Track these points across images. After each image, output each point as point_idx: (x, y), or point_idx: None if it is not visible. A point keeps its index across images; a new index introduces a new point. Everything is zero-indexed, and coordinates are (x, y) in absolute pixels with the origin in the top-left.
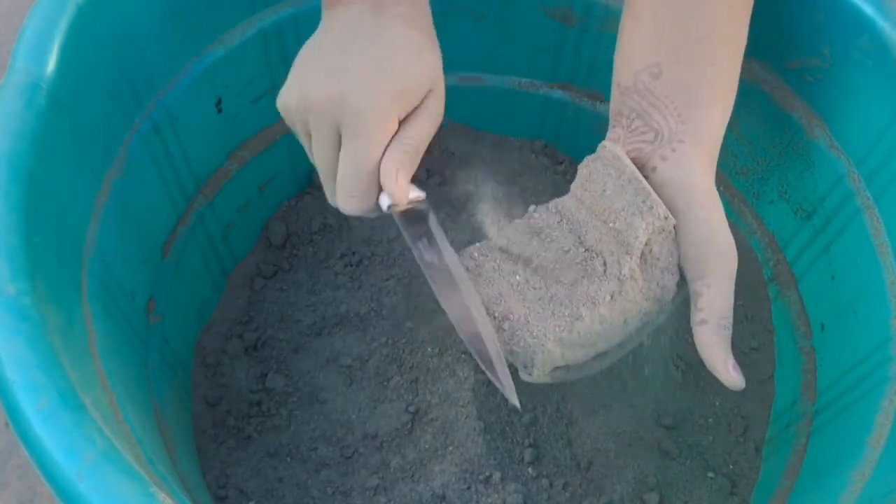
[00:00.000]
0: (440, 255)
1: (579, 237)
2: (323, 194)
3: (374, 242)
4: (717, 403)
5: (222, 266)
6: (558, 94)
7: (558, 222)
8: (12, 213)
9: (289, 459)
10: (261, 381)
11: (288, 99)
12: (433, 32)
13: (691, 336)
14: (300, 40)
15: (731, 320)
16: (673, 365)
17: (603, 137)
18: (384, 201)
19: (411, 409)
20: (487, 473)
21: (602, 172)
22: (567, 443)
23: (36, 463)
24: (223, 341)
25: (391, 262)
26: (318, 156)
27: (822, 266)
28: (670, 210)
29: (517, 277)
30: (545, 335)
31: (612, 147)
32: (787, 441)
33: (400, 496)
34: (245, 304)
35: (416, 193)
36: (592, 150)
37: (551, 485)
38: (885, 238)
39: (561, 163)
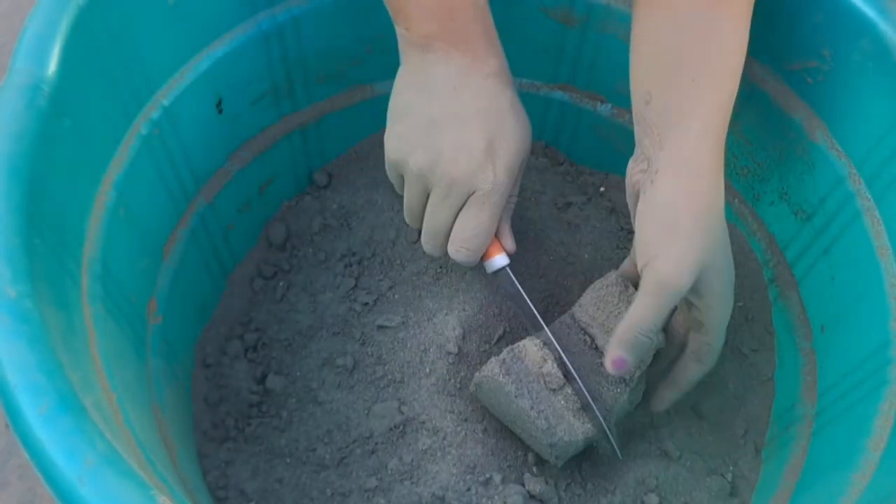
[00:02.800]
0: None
1: (596, 347)
2: (323, 194)
3: (375, 243)
4: (718, 405)
5: (222, 266)
6: (559, 94)
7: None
8: (13, 214)
9: (288, 460)
10: (261, 382)
11: (410, 160)
12: (513, 83)
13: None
14: (301, 40)
15: (644, 333)
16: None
17: (603, 138)
18: (501, 261)
19: (410, 410)
20: (487, 475)
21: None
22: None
23: (37, 466)
24: (223, 342)
25: (391, 263)
26: (442, 215)
27: (823, 268)
28: (637, 233)
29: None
30: (579, 434)
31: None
32: (787, 443)
33: (399, 497)
34: (245, 304)
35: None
36: (593, 150)
37: (551, 484)
38: (885, 240)
39: (561, 163)
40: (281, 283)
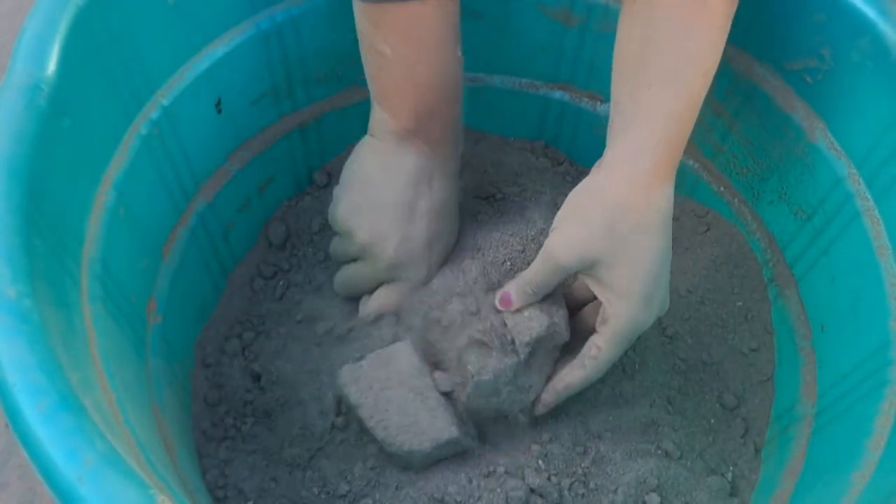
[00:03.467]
0: None
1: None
2: (323, 194)
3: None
4: (718, 404)
5: (222, 266)
6: (558, 94)
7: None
8: (12, 215)
9: (287, 460)
10: (257, 381)
11: (358, 233)
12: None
13: (692, 338)
14: (300, 40)
15: (529, 283)
16: (674, 366)
17: (603, 138)
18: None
19: None
20: (490, 469)
21: None
22: (570, 444)
23: (36, 466)
24: (223, 341)
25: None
26: (364, 281)
27: (823, 267)
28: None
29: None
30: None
31: None
32: (787, 442)
33: (400, 492)
34: (245, 304)
35: None
36: (593, 150)
37: (554, 484)
38: (885, 240)
39: (561, 163)
40: (281, 283)
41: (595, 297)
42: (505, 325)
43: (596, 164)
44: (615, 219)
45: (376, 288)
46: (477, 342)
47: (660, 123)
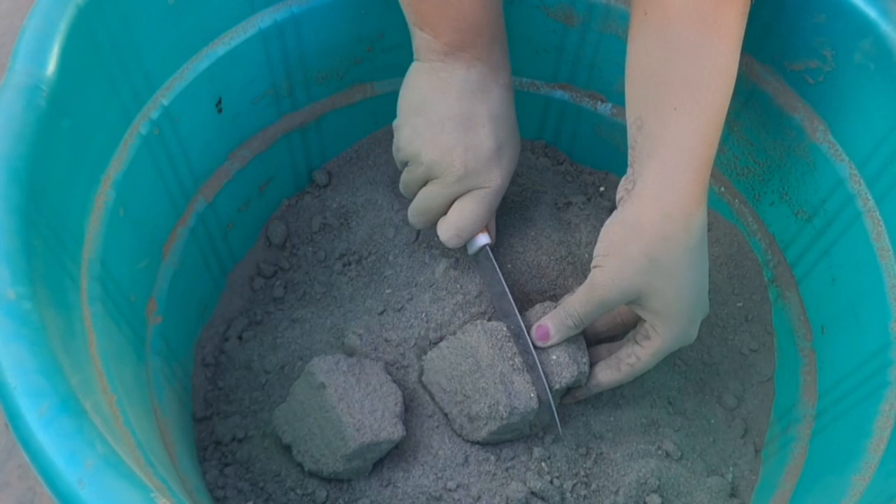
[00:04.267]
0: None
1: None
2: (323, 193)
3: (374, 242)
4: (718, 405)
5: (222, 266)
6: (559, 94)
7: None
8: (12, 215)
9: (288, 460)
10: (260, 382)
11: (424, 151)
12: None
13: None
14: (301, 40)
15: (573, 316)
16: (674, 367)
17: (603, 138)
18: (483, 240)
19: (414, 399)
20: (491, 470)
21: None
22: (572, 444)
23: (37, 469)
24: (222, 341)
25: (390, 262)
26: (439, 200)
27: (823, 268)
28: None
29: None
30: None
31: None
32: (787, 443)
33: (400, 490)
34: (245, 303)
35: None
36: (593, 149)
37: (556, 486)
38: (885, 241)
39: (561, 163)
40: (280, 283)
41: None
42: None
43: (625, 190)
44: (657, 251)
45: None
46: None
47: (691, 147)
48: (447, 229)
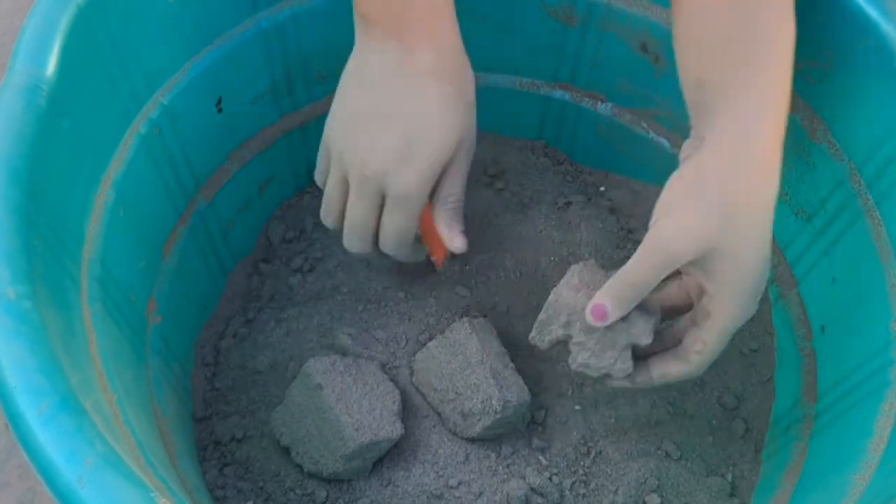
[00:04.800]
0: None
1: None
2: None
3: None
4: (718, 405)
5: (222, 265)
6: (559, 94)
7: None
8: (12, 215)
9: (287, 460)
10: (256, 382)
11: (334, 148)
12: (461, 70)
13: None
14: (301, 39)
15: (639, 289)
16: None
17: (603, 138)
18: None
19: (411, 398)
20: (491, 467)
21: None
22: (573, 444)
23: (36, 468)
24: (222, 341)
25: (389, 262)
26: (358, 212)
27: (823, 268)
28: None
29: None
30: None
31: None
32: (787, 443)
33: (400, 487)
34: (245, 303)
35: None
36: (593, 150)
37: (556, 483)
38: (886, 241)
39: (561, 163)
40: (278, 282)
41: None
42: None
43: (692, 147)
44: (732, 202)
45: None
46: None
47: (769, 93)
48: (379, 243)
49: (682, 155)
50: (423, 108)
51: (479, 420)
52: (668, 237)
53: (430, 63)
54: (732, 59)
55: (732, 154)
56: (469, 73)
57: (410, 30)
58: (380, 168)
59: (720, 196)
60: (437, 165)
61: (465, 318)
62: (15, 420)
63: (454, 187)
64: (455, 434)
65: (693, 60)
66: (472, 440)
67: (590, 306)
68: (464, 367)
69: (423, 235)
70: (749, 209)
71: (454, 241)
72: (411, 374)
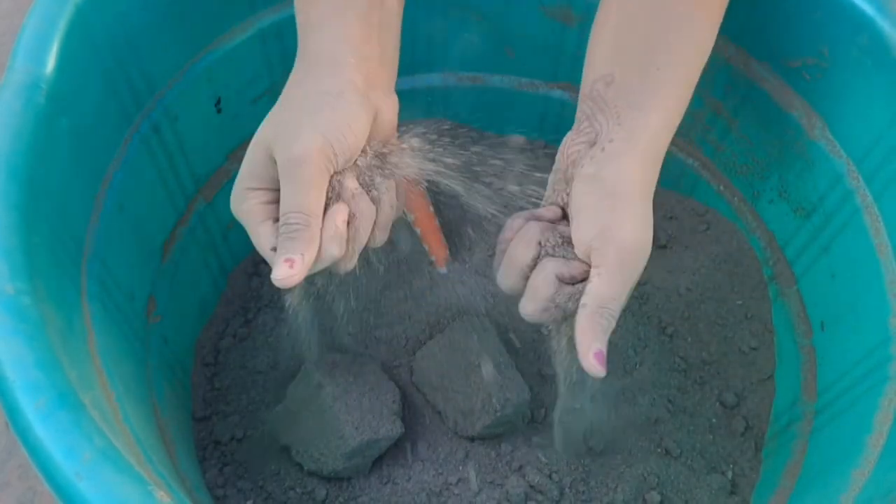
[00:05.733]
0: None
1: None
2: None
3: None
4: (718, 403)
5: (222, 265)
6: (558, 93)
7: None
8: (11, 212)
9: (287, 459)
10: (256, 382)
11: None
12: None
13: (692, 337)
14: None
15: (613, 312)
16: (674, 365)
17: None
18: None
19: (411, 397)
20: (491, 465)
21: None
22: (571, 441)
23: (35, 462)
24: (222, 340)
25: (388, 262)
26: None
27: (822, 265)
28: (583, 203)
29: None
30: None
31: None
32: (787, 440)
33: (400, 486)
34: (245, 303)
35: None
36: None
37: (555, 481)
38: (884, 237)
39: None
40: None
41: None
42: None
43: (585, 144)
44: (645, 194)
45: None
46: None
47: (674, 110)
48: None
49: (569, 149)
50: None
51: (480, 418)
52: (634, 243)
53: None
54: (647, 64)
55: (645, 167)
56: (315, 81)
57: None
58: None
59: (646, 204)
60: (242, 180)
61: (464, 317)
62: (14, 415)
63: (281, 202)
64: (456, 433)
65: (604, 54)
66: (472, 438)
67: (590, 359)
68: (464, 365)
69: (422, 235)
70: (638, 202)
71: (274, 268)
72: (411, 373)
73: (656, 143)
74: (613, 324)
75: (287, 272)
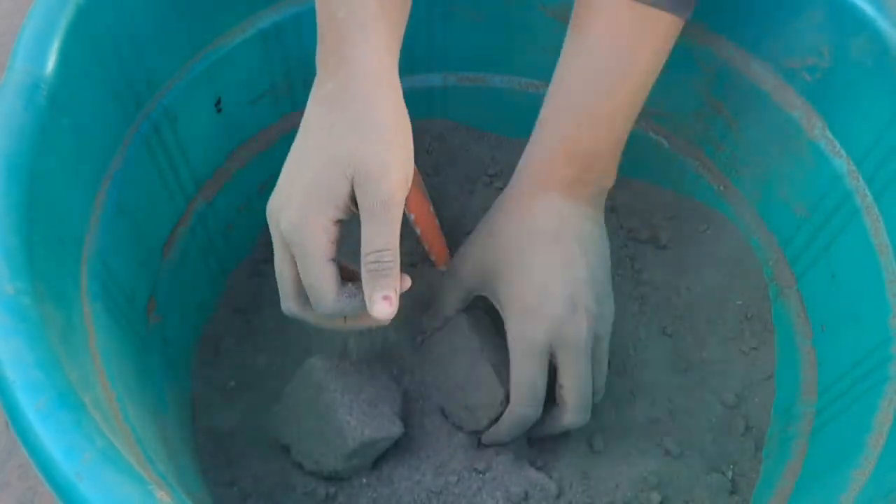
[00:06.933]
0: None
1: None
2: None
3: None
4: (718, 403)
5: (222, 265)
6: None
7: None
8: (12, 212)
9: (287, 459)
10: (257, 381)
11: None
12: (367, 96)
13: (692, 337)
14: (300, 40)
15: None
16: (674, 365)
17: None
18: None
19: (411, 396)
20: (490, 463)
21: None
22: (571, 441)
23: (35, 462)
24: (222, 340)
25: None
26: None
27: (822, 265)
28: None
29: None
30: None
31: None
32: (787, 440)
33: (399, 485)
34: (245, 303)
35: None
36: None
37: (555, 480)
38: (884, 237)
39: None
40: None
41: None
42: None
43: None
44: (507, 230)
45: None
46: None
47: (562, 131)
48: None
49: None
50: (307, 140)
51: (485, 413)
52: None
53: (327, 92)
54: (561, 103)
55: (514, 189)
56: (385, 101)
57: (324, 49)
58: (271, 210)
59: (501, 225)
60: (311, 203)
61: (463, 314)
62: (14, 415)
63: (368, 240)
64: (461, 428)
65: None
66: (476, 433)
67: (380, 304)
68: (465, 362)
69: (422, 235)
70: (522, 239)
71: (373, 306)
72: (412, 371)
73: (526, 174)
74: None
75: (388, 310)
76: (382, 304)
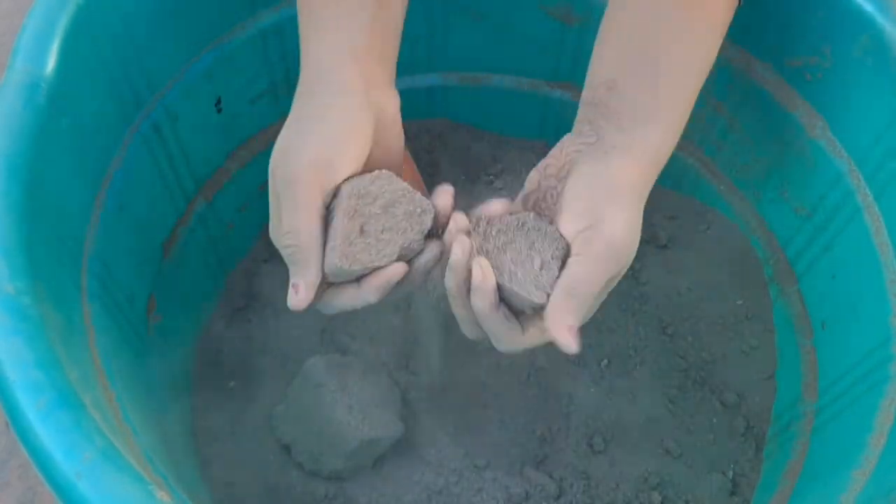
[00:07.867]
0: None
1: None
2: None
3: None
4: (719, 403)
5: (222, 265)
6: (558, 93)
7: None
8: (12, 212)
9: (287, 459)
10: (257, 381)
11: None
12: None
13: (692, 336)
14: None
15: (583, 296)
16: (674, 365)
17: None
18: None
19: (412, 396)
20: (491, 463)
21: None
22: (572, 440)
23: (35, 462)
24: (222, 340)
25: None
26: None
27: (823, 265)
28: (579, 195)
29: None
30: None
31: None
32: (788, 440)
33: (400, 484)
34: (245, 303)
35: None
36: None
37: (556, 480)
38: (885, 236)
39: None
40: (281, 283)
41: None
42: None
43: (590, 144)
44: (643, 194)
45: None
46: None
47: (676, 119)
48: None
49: (567, 151)
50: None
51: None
52: (620, 237)
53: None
54: (649, 72)
55: (644, 172)
56: (322, 97)
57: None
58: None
59: (640, 206)
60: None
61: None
62: (14, 415)
63: (275, 224)
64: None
65: (607, 59)
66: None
67: (561, 332)
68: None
69: None
70: (640, 204)
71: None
72: (413, 372)
73: (657, 153)
74: (584, 309)
75: (293, 299)
76: (290, 292)
